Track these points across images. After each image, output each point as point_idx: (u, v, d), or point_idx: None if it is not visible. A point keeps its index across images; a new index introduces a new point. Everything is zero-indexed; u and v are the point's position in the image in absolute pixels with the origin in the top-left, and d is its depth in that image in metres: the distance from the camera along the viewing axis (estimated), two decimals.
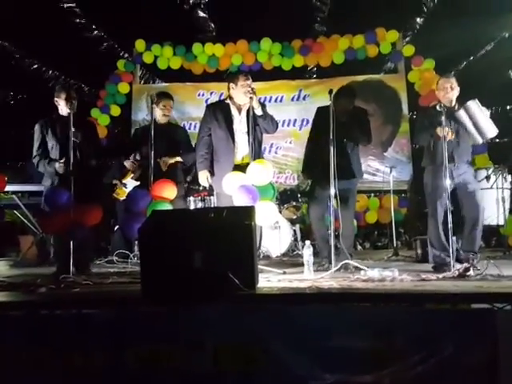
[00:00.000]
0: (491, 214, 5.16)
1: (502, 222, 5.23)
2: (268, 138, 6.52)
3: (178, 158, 4.52)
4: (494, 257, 4.59)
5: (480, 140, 3.72)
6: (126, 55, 7.86)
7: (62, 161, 3.74)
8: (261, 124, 3.95)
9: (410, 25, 7.40)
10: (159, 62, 7.60)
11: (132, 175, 4.93)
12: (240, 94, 3.92)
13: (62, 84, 3.92)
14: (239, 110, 4.02)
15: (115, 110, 7.62)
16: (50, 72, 7.59)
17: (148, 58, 7.58)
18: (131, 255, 4.52)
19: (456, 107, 3.72)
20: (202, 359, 2.24)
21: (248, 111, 3.86)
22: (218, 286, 2.48)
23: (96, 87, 7.75)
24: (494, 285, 2.65)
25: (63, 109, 3.84)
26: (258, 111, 3.86)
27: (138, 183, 4.69)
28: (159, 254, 2.58)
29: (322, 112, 4.06)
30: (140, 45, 7.56)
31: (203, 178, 4.02)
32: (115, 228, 5.58)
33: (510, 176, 5.31)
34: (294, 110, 7.43)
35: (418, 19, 7.31)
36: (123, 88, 7.63)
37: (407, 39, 7.43)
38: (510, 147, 6.60)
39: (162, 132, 4.25)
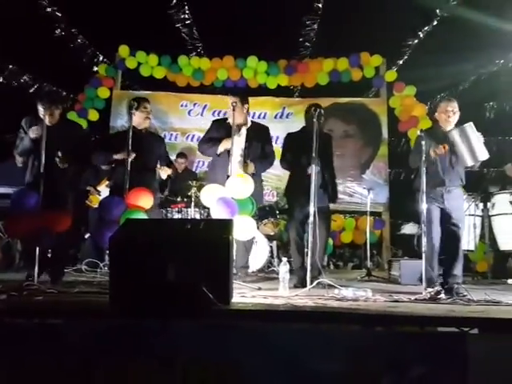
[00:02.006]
0: (463, 239, 5.27)
1: (472, 248, 5.36)
2: None
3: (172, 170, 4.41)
4: (463, 281, 4.67)
5: (470, 162, 3.70)
6: (108, 61, 7.78)
7: (34, 127, 3.62)
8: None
9: (395, 52, 7.60)
10: (142, 69, 7.53)
11: (107, 182, 4.86)
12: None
13: (42, 97, 3.77)
14: (239, 127, 4.20)
15: (93, 115, 7.48)
16: (27, 76, 7.42)
17: (131, 64, 7.51)
18: (101, 264, 4.41)
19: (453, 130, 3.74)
20: (171, 377, 2.16)
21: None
22: (191, 300, 2.43)
23: (75, 91, 7.64)
24: (465, 309, 2.70)
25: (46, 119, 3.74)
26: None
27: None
28: (130, 264, 2.50)
29: (293, 136, 4.35)
30: (124, 50, 7.49)
31: (227, 142, 4.09)
32: (86, 236, 5.47)
33: (481, 204, 5.45)
34: (277, 127, 7.43)
35: (405, 48, 7.51)
36: (103, 93, 7.51)
37: (393, 67, 7.61)
38: (483, 177, 6.82)
39: (142, 139, 4.15)
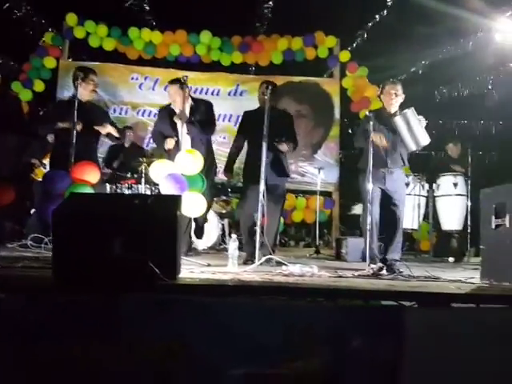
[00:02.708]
0: (407, 219, 5.49)
1: (416, 227, 5.58)
2: None
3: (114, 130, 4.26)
4: (405, 259, 4.88)
5: (413, 147, 3.81)
6: (55, 30, 7.40)
7: None
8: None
9: (350, 34, 7.66)
10: (91, 39, 7.22)
11: None
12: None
13: None
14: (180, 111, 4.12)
15: (39, 86, 7.15)
16: None
17: (79, 33, 7.18)
18: (46, 239, 4.26)
19: (396, 114, 3.84)
20: (116, 356, 2.11)
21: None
22: (137, 275, 2.39)
23: (19, 61, 7.23)
24: (404, 284, 2.81)
25: None
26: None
27: None
28: (74, 239, 2.41)
29: (249, 115, 4.32)
30: (71, 18, 7.14)
31: (171, 142, 4.12)
32: (31, 210, 5.26)
33: (427, 185, 5.66)
34: (230, 105, 7.39)
35: (359, 31, 7.58)
36: (49, 62, 7.17)
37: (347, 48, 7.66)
38: (429, 158, 7.09)
39: (85, 112, 3.98)
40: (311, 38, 7.42)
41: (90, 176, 3.57)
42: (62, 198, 3.33)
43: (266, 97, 3.78)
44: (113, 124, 4.36)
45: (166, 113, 4.30)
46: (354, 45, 7.70)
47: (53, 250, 2.49)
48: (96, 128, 4.06)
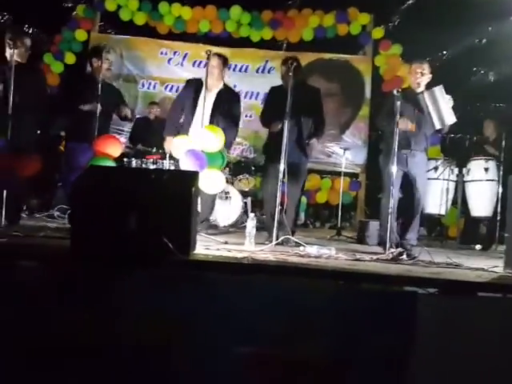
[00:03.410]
0: (434, 204, 5.34)
1: (443, 212, 5.42)
2: None
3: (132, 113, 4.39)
4: (431, 245, 4.77)
5: (438, 125, 3.75)
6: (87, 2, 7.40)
7: None
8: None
9: (384, 12, 7.39)
10: (122, 12, 7.20)
11: None
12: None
13: (9, 28, 3.61)
14: (210, 89, 4.04)
15: (70, 58, 7.19)
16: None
17: (111, 6, 7.17)
18: None
19: (423, 93, 3.77)
20: (122, 330, 2.14)
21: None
22: (151, 249, 2.42)
23: (51, 33, 7.28)
24: (422, 270, 2.74)
25: (8, 54, 3.61)
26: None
27: None
28: (91, 211, 2.47)
29: (275, 91, 4.17)
30: None
31: (168, 143, 4.12)
32: (59, 182, 5.40)
33: (457, 169, 5.47)
34: (258, 82, 7.28)
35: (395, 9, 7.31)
36: (81, 35, 7.19)
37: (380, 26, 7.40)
38: (462, 143, 6.83)
39: (102, 90, 4.03)
40: (344, 15, 7.18)
41: (111, 149, 3.59)
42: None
43: (290, 73, 3.68)
44: (124, 103, 4.45)
45: (193, 84, 4.20)
46: (389, 24, 7.42)
47: (70, 221, 2.54)
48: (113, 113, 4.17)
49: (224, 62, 4.17)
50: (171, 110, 4.38)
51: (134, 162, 5.38)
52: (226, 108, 4.10)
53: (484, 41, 7.10)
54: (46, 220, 4.41)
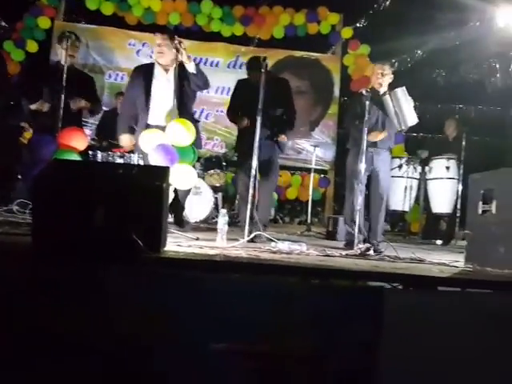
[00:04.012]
0: (398, 200, 5.51)
1: (406, 209, 5.60)
2: (199, 103, 6.41)
3: (87, 104, 4.15)
4: (395, 240, 4.92)
5: (399, 126, 3.85)
6: None
7: None
8: (193, 81, 3.76)
9: (354, 12, 7.50)
10: (89, 1, 7.00)
11: None
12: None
13: None
14: (166, 70, 3.84)
15: (32, 46, 6.95)
16: None
17: None
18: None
19: (386, 93, 3.86)
20: (94, 331, 2.06)
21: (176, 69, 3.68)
22: (119, 246, 2.36)
23: (12, 20, 7.03)
24: (388, 265, 2.82)
25: None
26: (191, 67, 3.67)
27: None
28: (55, 207, 2.34)
29: (242, 84, 4.15)
30: None
31: (125, 140, 3.95)
32: (19, 175, 5.21)
33: (420, 167, 5.65)
34: (229, 77, 7.22)
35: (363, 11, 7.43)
36: (44, 23, 6.95)
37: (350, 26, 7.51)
38: (424, 142, 7.06)
39: (70, 76, 3.83)
40: (314, 14, 7.27)
41: (77, 142, 3.49)
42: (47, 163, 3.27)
43: (262, 70, 3.68)
44: (92, 93, 4.26)
45: (142, 71, 3.89)
46: (357, 24, 7.55)
47: (32, 217, 2.44)
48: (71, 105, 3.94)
49: (170, 37, 3.84)
50: (122, 106, 4.18)
51: (100, 156, 5.27)
52: (187, 83, 3.81)
53: (447, 44, 7.33)
54: (4, 215, 4.24)
